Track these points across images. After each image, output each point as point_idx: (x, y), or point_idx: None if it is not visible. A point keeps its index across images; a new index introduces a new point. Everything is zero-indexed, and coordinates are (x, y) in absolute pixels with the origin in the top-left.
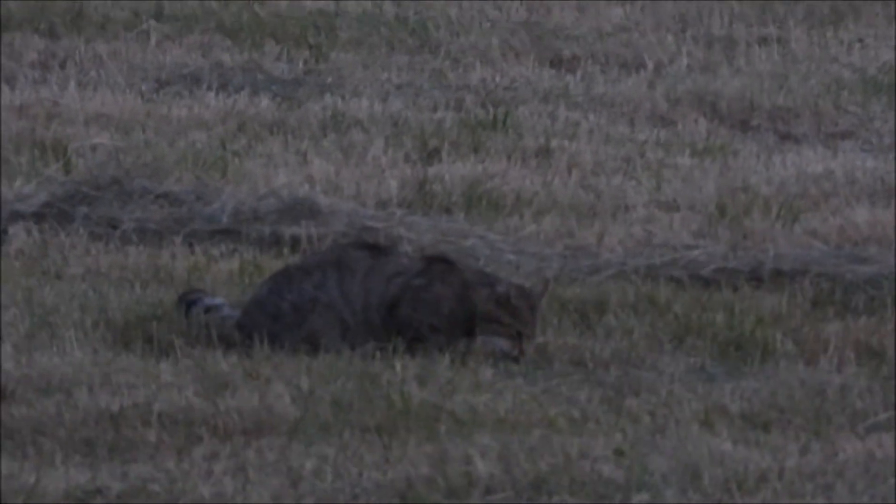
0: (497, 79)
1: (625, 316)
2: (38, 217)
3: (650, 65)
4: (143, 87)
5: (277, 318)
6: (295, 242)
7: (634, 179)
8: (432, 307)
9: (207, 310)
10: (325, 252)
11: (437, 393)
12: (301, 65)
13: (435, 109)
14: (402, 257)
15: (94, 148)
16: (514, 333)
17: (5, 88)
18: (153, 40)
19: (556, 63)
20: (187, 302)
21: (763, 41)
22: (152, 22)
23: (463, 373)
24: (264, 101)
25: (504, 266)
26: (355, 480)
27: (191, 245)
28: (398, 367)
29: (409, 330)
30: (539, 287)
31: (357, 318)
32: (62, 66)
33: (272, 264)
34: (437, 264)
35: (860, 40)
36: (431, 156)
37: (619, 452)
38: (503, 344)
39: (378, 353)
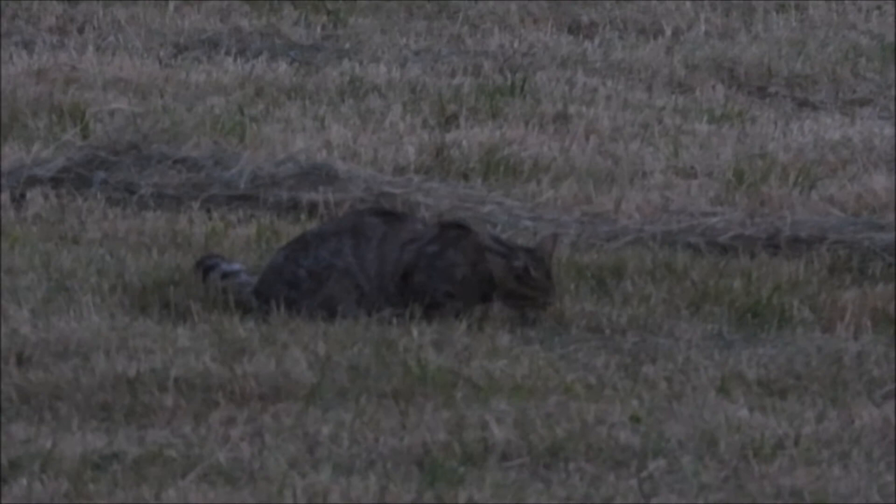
0: (515, 44)
1: (642, 282)
2: (56, 182)
3: (668, 31)
4: (162, 52)
5: (294, 285)
6: (312, 208)
7: (652, 146)
8: (446, 274)
9: (225, 275)
10: (341, 219)
11: (453, 359)
12: (319, 30)
13: (453, 75)
14: (416, 224)
15: (111, 113)
16: (538, 304)
17: (24, 53)
18: (171, 5)
19: (575, 29)
20: (205, 267)
21: (781, 7)
22: None
23: (480, 338)
24: (282, 67)
25: (521, 232)
26: (372, 446)
27: (208, 210)
28: (415, 332)
29: (425, 297)
30: (547, 244)
31: (372, 285)
32: (80, 30)
33: (290, 230)
34: (451, 230)
35: (878, 7)
36: (449, 122)
37: (635, 419)
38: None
39: (395, 319)
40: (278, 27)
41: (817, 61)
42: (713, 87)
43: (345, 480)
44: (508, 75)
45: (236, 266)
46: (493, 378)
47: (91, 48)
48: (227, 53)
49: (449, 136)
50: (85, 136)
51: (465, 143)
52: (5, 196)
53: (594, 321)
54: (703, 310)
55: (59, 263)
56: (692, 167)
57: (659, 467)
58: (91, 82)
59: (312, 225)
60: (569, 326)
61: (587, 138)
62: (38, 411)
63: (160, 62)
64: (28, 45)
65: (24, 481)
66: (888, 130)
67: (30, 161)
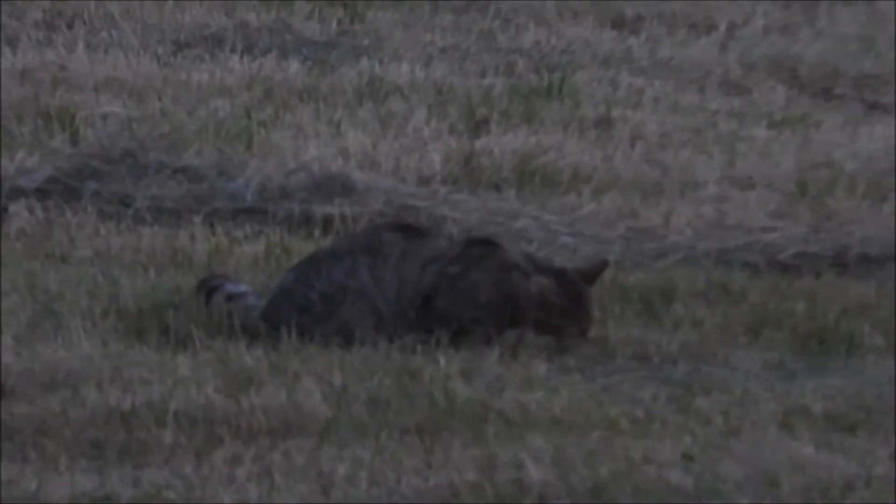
0: (552, 41)
1: (694, 305)
2: (42, 194)
3: (722, 26)
4: (160, 50)
5: (306, 308)
6: (327, 223)
7: (705, 153)
8: (470, 297)
9: (230, 297)
10: (357, 235)
11: (484, 390)
12: (335, 25)
13: (483, 75)
14: (439, 240)
15: (104, 117)
16: (565, 332)
17: (7, 51)
18: None
19: (618, 23)
20: (207, 289)
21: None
22: None
23: (513, 368)
24: (294, 66)
25: (560, 250)
26: (393, 487)
27: (212, 225)
28: (441, 361)
29: (449, 323)
30: (595, 266)
31: (391, 309)
32: (69, 25)
33: (301, 247)
34: (476, 248)
35: None
36: (479, 127)
37: (687, 457)
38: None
39: (418, 346)
40: (289, 22)
41: (888, 59)
42: (772, 88)
43: None
44: (545, 75)
45: (242, 287)
46: (528, 412)
47: (81, 45)
48: (233, 51)
49: (478, 143)
50: (74, 143)
51: (496, 150)
52: None
53: (641, 349)
54: (762, 336)
55: (45, 284)
56: (749, 177)
57: None
58: (81, 83)
59: (326, 242)
60: (613, 354)
61: (632, 145)
62: (21, 449)
63: (158, 61)
64: (12, 43)
65: None
66: None
67: (13, 170)
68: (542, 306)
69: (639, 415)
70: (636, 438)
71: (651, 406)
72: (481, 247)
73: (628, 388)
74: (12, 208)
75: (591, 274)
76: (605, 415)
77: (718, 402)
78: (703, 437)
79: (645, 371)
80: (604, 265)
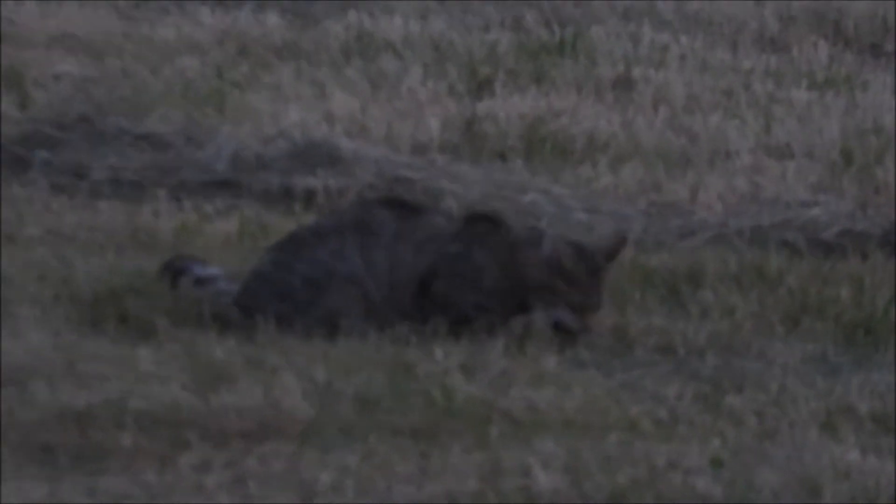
0: None
1: (725, 290)
2: None
3: None
4: (120, 1)
5: (286, 295)
6: (310, 197)
7: (737, 118)
8: (474, 280)
9: (199, 282)
10: (345, 211)
11: (487, 387)
12: None
13: (487, 30)
14: (437, 218)
15: (56, 77)
16: (574, 304)
17: None
18: None
19: None
20: (173, 272)
21: None
22: None
23: (520, 361)
24: (272, 19)
25: (573, 227)
26: (384, 496)
27: (178, 200)
28: (438, 354)
29: (449, 310)
30: (611, 245)
31: (384, 295)
32: None
33: (281, 224)
34: (478, 225)
35: None
36: (482, 88)
37: (716, 463)
38: (562, 315)
39: (413, 338)
40: None
41: None
42: (814, 44)
43: None
44: (556, 30)
45: (213, 270)
46: (536, 411)
47: None
48: (203, 2)
49: (481, 107)
50: (23, 107)
51: (501, 115)
52: None
53: (665, 339)
54: (802, 325)
55: None
56: (788, 145)
57: None
58: (31, 39)
59: (309, 219)
60: (633, 346)
61: (655, 109)
62: None
63: (118, 13)
64: None
65: None
66: None
67: None
68: (552, 271)
69: (662, 415)
70: (659, 441)
71: (676, 405)
72: (484, 223)
73: (650, 385)
74: None
75: (609, 253)
76: (624, 415)
77: (752, 400)
78: (734, 440)
79: (669, 365)
80: (622, 242)
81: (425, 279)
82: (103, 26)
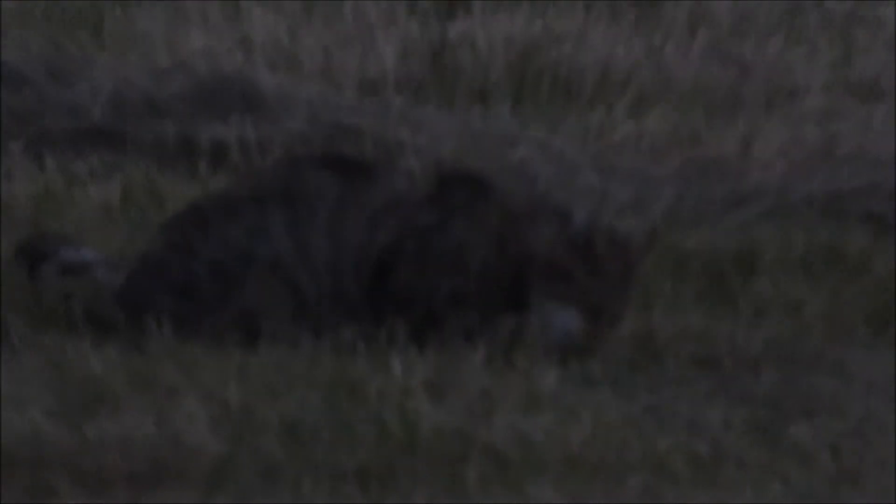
0: None
1: (787, 281)
2: None
3: None
4: None
5: (186, 288)
6: (219, 153)
7: (804, 44)
8: (452, 263)
9: (68, 270)
10: (268, 173)
11: (463, 412)
12: None
13: None
14: (394, 179)
15: None
16: (590, 302)
17: None
18: None
19: None
20: (33, 256)
21: None
22: None
23: (508, 377)
24: None
25: (580, 194)
26: None
27: (39, 156)
28: (397, 367)
29: (412, 307)
30: (639, 238)
31: (322, 287)
32: None
33: (179, 190)
34: (459, 189)
35: None
36: (455, 5)
37: None
38: (567, 319)
39: (362, 345)
40: None
41: None
42: None
43: None
44: None
45: (87, 254)
46: (529, 445)
47: None
48: None
49: (453, 29)
50: None
51: (481, 40)
52: None
53: (705, 348)
54: (890, 329)
55: None
56: (874, 82)
57: None
58: None
59: (218, 183)
60: (661, 357)
61: (693, 33)
62: None
63: None
64: None
65: None
66: None
67: None
68: (580, 254)
69: (701, 450)
70: (697, 486)
71: (721, 436)
72: (465, 187)
73: (685, 410)
74: None
75: (642, 247)
76: (650, 450)
77: (824, 429)
78: (800, 483)
79: (711, 383)
80: (652, 237)
81: (382, 263)
82: None
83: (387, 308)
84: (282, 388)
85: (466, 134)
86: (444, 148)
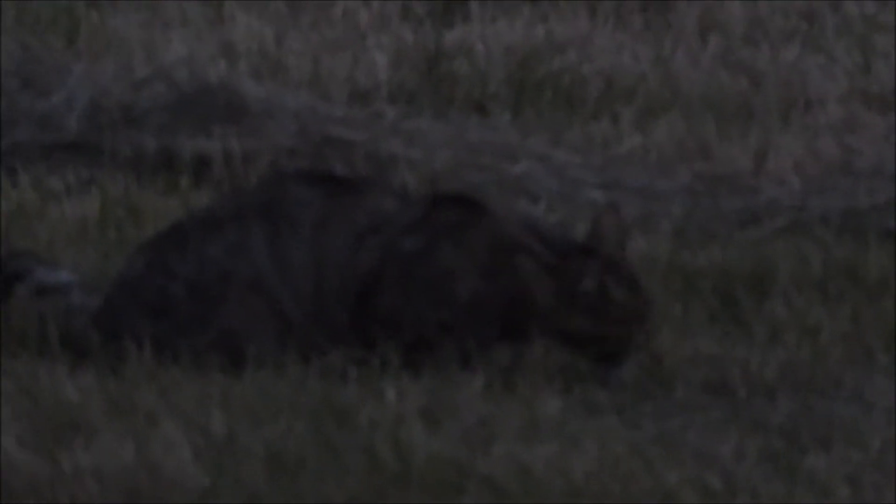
0: None
1: (804, 302)
2: None
3: None
4: None
5: (165, 310)
6: (201, 166)
7: (822, 52)
8: (442, 290)
9: (42, 291)
10: (249, 190)
11: (459, 441)
12: None
13: None
14: (383, 197)
15: None
16: (613, 350)
17: None
18: None
19: None
20: (6, 276)
21: None
22: None
23: (506, 404)
24: None
25: (585, 207)
26: None
27: (12, 171)
28: (389, 394)
29: (400, 331)
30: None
31: (306, 308)
32: None
33: (160, 206)
34: (450, 209)
35: None
36: (451, 9)
37: None
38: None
39: (352, 371)
40: None
41: None
42: None
43: None
44: None
45: (63, 275)
46: (529, 476)
47: None
48: None
49: (450, 36)
50: None
51: (479, 48)
52: None
53: (716, 373)
54: None
55: None
56: (894, 91)
57: None
58: None
59: (201, 198)
60: (671, 383)
61: (704, 39)
62: None
63: None
64: None
65: None
66: None
67: None
68: (593, 308)
69: (713, 482)
70: None
71: (733, 468)
72: (457, 208)
73: (695, 438)
74: None
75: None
76: (658, 482)
77: (842, 460)
78: None
79: (722, 410)
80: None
81: (368, 285)
82: None
83: (375, 332)
84: (267, 415)
85: (463, 147)
86: (440, 162)
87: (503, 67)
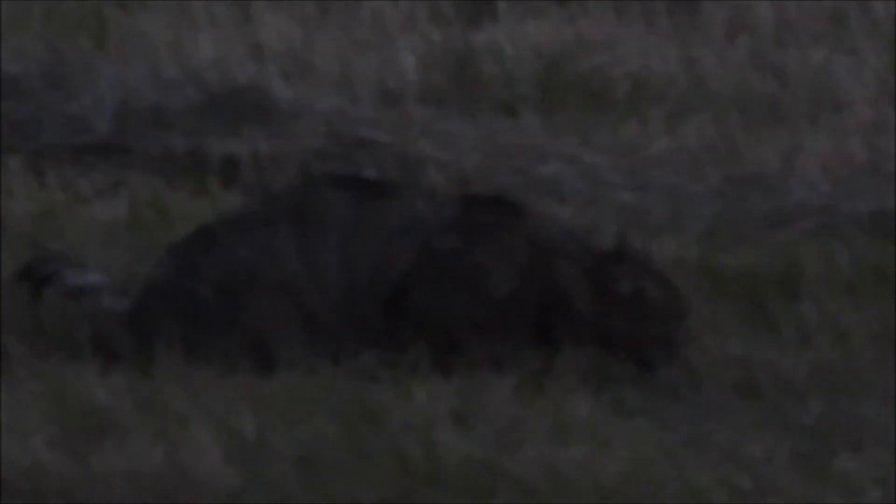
0: None
1: (834, 304)
2: None
3: None
4: None
5: (194, 311)
6: (230, 168)
7: (851, 55)
8: (478, 289)
9: (72, 293)
10: (278, 192)
11: (490, 443)
12: None
13: None
14: (414, 199)
15: None
16: (650, 352)
17: None
18: None
19: None
20: (36, 278)
21: None
22: None
23: (538, 406)
24: None
25: (613, 211)
26: None
27: (40, 172)
28: (420, 396)
29: (433, 331)
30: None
31: (336, 310)
32: None
33: (189, 207)
34: (484, 211)
35: None
36: (480, 10)
37: None
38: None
39: (382, 372)
40: None
41: None
42: None
43: None
44: None
45: (93, 277)
46: (561, 478)
47: None
48: None
49: (479, 38)
50: None
51: (507, 48)
52: None
53: (746, 375)
54: None
55: None
56: None
57: None
58: None
59: (230, 199)
60: (700, 385)
61: (732, 40)
62: None
63: None
64: None
65: None
66: None
67: None
68: (631, 310)
69: (744, 483)
70: None
71: (764, 469)
72: (493, 209)
73: (726, 440)
74: None
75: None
76: (689, 483)
77: (873, 462)
78: None
79: (753, 412)
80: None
81: (401, 286)
82: None
83: (406, 333)
84: (297, 417)
85: (492, 148)
86: (469, 163)
87: (531, 68)
